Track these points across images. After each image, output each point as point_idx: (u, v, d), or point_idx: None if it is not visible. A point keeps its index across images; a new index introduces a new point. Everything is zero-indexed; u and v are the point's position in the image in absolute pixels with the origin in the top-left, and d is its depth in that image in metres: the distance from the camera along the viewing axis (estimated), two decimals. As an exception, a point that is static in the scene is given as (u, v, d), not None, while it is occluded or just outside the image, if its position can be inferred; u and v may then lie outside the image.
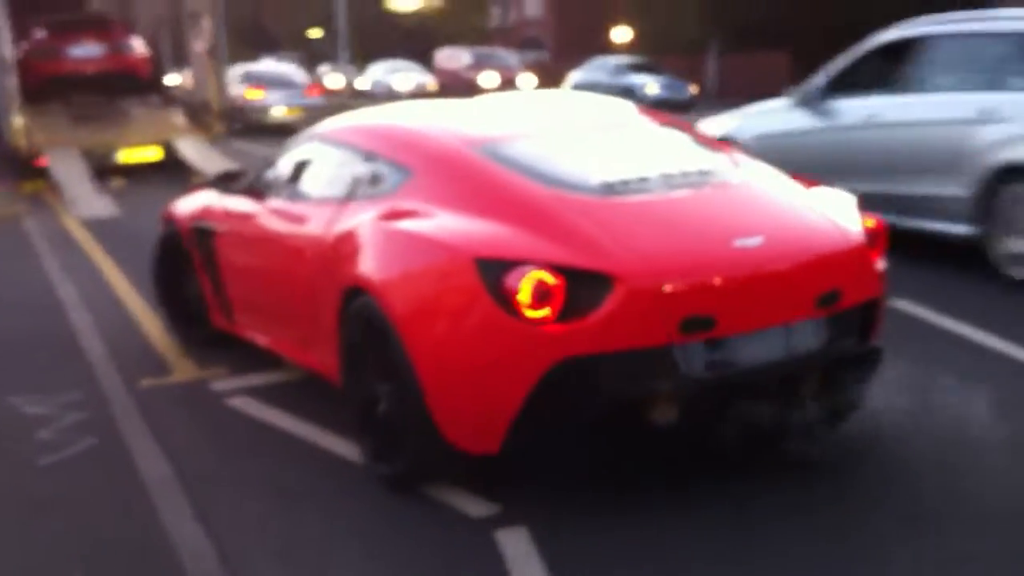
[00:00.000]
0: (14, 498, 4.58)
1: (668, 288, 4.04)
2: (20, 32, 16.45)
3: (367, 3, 53.54)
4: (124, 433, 5.25)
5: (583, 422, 4.17)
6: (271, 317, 5.90)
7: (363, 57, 49.85)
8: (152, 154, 15.90)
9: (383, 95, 39.30)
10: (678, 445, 4.77)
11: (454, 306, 4.20)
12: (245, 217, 6.05)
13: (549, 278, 3.97)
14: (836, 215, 4.70)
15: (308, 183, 5.71)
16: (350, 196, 5.14)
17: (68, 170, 14.65)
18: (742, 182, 4.85)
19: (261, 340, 6.05)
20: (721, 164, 5.02)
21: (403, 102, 7.51)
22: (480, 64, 39.43)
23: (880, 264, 4.74)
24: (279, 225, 5.66)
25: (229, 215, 6.26)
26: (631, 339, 4.02)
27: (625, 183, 4.59)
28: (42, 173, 14.94)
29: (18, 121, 15.19)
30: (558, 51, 45.68)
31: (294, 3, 60.13)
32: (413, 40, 54.08)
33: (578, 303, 4.00)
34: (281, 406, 5.59)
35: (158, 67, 18.91)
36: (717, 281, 4.13)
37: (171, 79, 19.44)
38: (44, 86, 17.09)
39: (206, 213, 6.54)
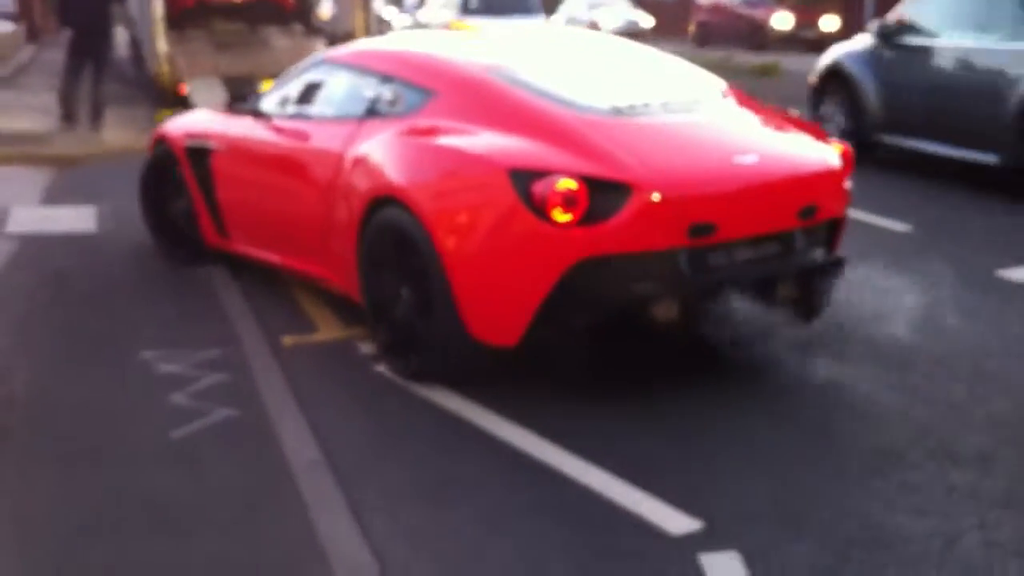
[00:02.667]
0: (140, 479, 4.02)
1: (679, 197, 4.52)
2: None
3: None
4: (266, 402, 4.71)
5: (595, 317, 4.62)
6: (275, 232, 6.11)
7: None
8: (293, 85, 15.43)
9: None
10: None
11: (487, 212, 4.59)
12: (248, 136, 6.28)
13: (575, 186, 4.39)
14: (813, 139, 5.29)
15: (320, 104, 6.02)
16: (368, 115, 5.51)
17: (208, 98, 14.28)
18: (730, 108, 5.46)
19: (262, 255, 6.29)
20: (708, 92, 5.58)
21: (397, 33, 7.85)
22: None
23: (846, 185, 5.28)
24: (289, 143, 5.92)
25: (230, 134, 6.44)
26: (645, 242, 4.49)
27: (632, 107, 5.10)
28: (183, 101, 14.62)
29: (162, 47, 14.88)
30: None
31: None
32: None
33: (599, 209, 4.43)
34: (431, 375, 4.99)
35: (303, -5, 18.40)
36: (720, 193, 4.68)
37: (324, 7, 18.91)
38: (188, 12, 16.75)
39: (203, 133, 6.69)
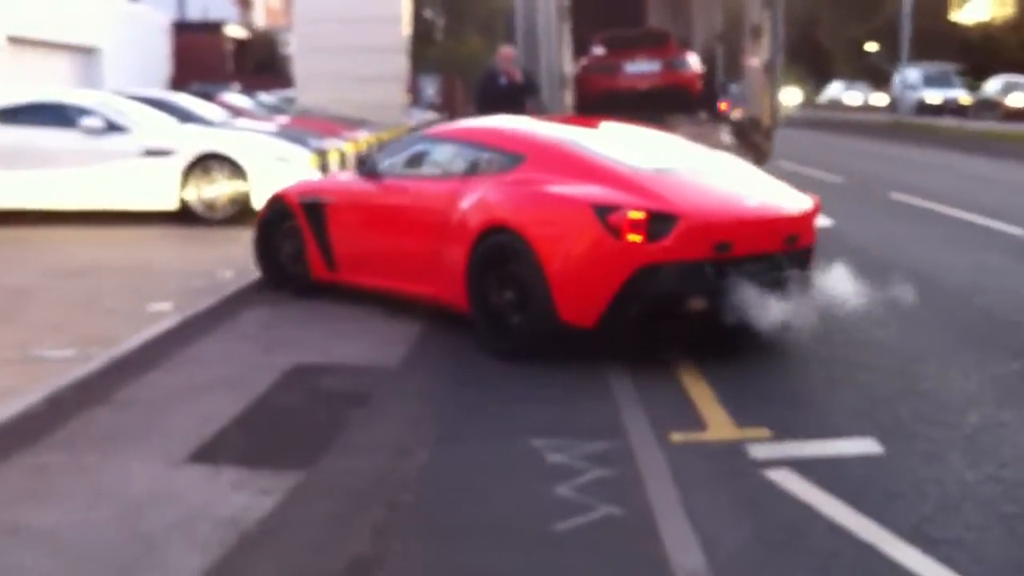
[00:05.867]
0: (520, 568, 4.06)
1: (708, 224, 6.53)
2: (580, 48, 16.69)
3: (927, 14, 50.30)
4: (652, 502, 4.63)
5: (651, 307, 6.54)
6: (386, 263, 8.06)
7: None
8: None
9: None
10: None
11: (576, 234, 6.60)
12: (365, 190, 8.30)
13: (641, 216, 6.38)
14: (792, 191, 7.36)
15: (426, 167, 8.17)
16: (471, 173, 7.54)
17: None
18: (732, 168, 7.73)
19: (369, 282, 8.23)
20: (715, 157, 7.88)
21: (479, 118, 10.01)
22: None
23: (816, 223, 7.31)
24: (403, 194, 8.02)
25: (345, 190, 8.58)
26: (684, 254, 6.45)
27: (668, 167, 7.26)
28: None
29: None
30: None
31: (851, 15, 57.79)
32: (975, 52, 50.34)
33: (654, 232, 6.39)
34: (830, 488, 4.72)
35: (711, 83, 18.47)
36: (734, 222, 6.71)
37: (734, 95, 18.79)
38: (598, 101, 17.24)
39: (317, 191, 8.83)
